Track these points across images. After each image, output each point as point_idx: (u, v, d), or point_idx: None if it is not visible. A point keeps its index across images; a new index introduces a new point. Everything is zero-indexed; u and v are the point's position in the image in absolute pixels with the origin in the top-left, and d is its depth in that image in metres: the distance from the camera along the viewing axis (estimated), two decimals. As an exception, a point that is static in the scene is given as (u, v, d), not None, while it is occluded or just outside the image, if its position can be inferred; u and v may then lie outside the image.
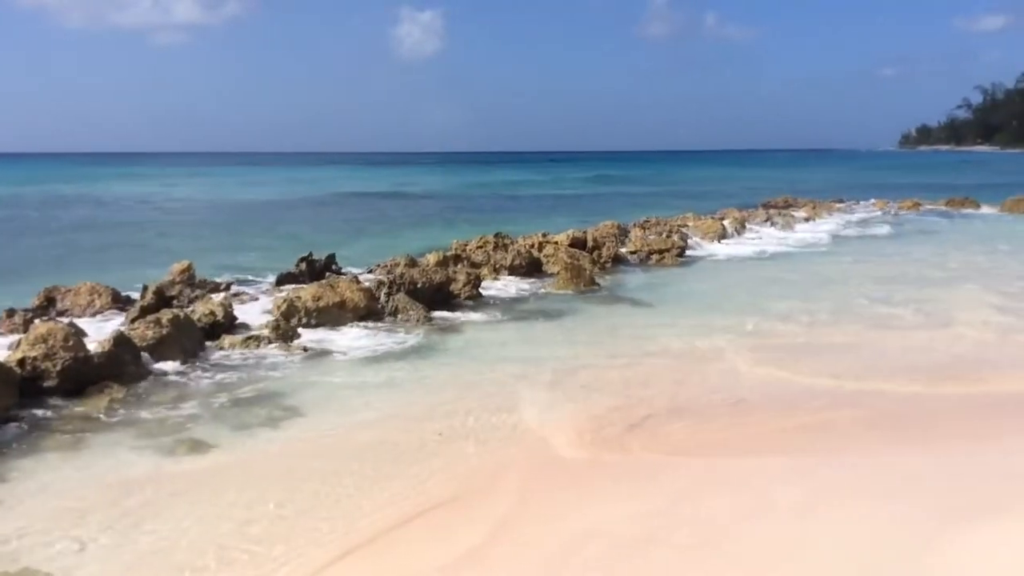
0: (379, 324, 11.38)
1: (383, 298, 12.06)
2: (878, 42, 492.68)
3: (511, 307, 12.77)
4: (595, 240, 18.17)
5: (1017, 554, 4.67)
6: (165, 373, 8.86)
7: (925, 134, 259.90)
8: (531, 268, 15.84)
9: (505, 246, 16.78)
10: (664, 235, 19.51)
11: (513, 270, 15.47)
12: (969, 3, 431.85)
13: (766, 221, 25.96)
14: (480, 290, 13.49)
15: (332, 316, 11.31)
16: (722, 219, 24.58)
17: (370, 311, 11.65)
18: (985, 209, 32.72)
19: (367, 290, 11.99)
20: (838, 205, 34.68)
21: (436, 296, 12.68)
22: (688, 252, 19.18)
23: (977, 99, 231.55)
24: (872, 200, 36.77)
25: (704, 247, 20.94)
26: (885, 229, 25.67)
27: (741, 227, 24.15)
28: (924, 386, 8.13)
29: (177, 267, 13.50)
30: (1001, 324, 10.82)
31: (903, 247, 20.47)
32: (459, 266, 14.58)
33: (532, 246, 17.01)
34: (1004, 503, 5.28)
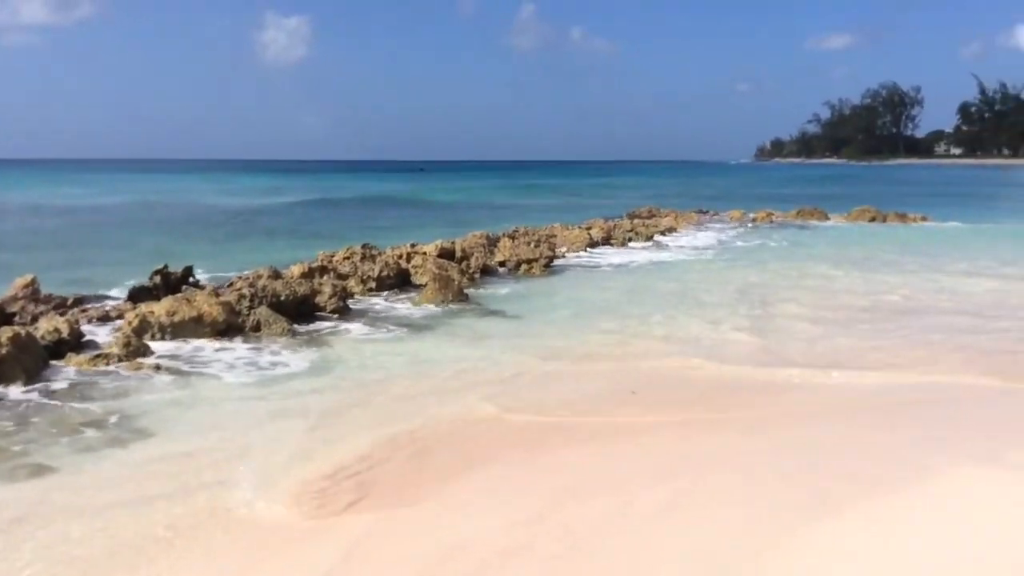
0: (239, 339, 11.06)
1: (244, 312, 11.73)
2: (733, 59, 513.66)
3: (376, 321, 12.60)
4: (464, 251, 18.25)
5: (854, 546, 5.01)
6: (5, 395, 8.34)
7: (779, 147, 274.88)
8: (399, 279, 15.73)
9: (373, 257, 16.61)
10: (533, 245, 19.77)
11: (381, 282, 15.30)
12: (817, 22, 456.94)
13: (631, 231, 26.74)
14: (347, 303, 13.30)
15: (188, 331, 10.92)
16: (589, 229, 25.19)
17: (230, 325, 11.30)
18: (832, 220, 34.76)
19: (227, 303, 11.60)
20: (698, 216, 36.13)
21: (301, 309, 12.44)
22: (556, 262, 19.53)
23: (826, 114, 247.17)
24: (730, 211, 38.47)
25: (571, 257, 21.41)
26: (739, 241, 26.90)
27: (607, 237, 24.81)
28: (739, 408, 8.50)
29: (20, 281, 12.69)
30: (809, 350, 10.81)
31: (753, 259, 21.27)
32: (325, 278, 14.33)
33: (400, 257, 16.90)
34: (838, 502, 5.64)
